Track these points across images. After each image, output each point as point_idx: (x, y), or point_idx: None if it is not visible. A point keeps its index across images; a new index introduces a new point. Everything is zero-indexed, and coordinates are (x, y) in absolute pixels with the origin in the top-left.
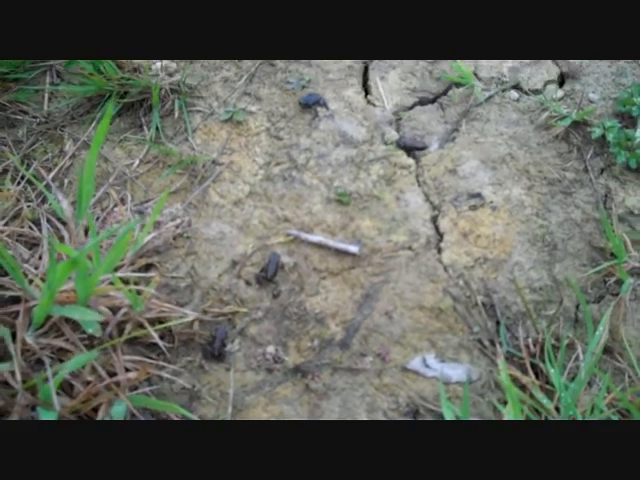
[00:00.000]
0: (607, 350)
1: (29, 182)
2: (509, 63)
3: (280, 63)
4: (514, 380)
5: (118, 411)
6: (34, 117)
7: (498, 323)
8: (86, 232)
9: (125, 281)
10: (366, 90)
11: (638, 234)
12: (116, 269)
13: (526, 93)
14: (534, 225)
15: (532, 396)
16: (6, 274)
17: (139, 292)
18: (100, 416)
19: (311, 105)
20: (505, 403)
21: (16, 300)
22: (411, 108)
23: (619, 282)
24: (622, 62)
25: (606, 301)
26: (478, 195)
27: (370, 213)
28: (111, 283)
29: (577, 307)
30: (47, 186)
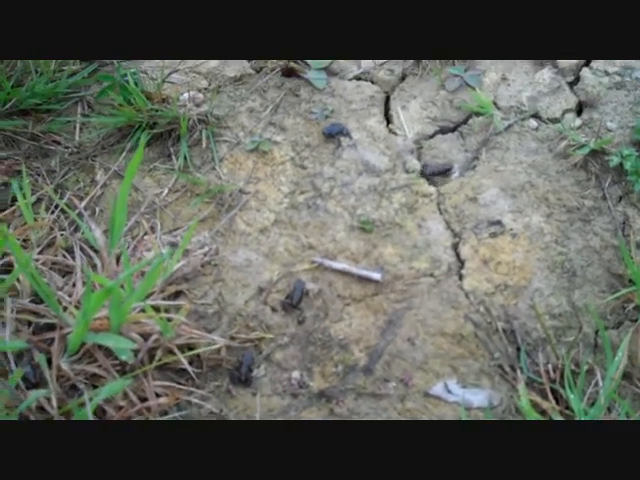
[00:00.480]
0: (626, 376)
1: (62, 211)
2: (528, 92)
3: (304, 93)
4: (534, 405)
5: None
6: (66, 147)
7: (519, 349)
8: (118, 260)
9: (156, 308)
10: (388, 119)
11: None
12: (147, 297)
13: (545, 122)
14: (553, 252)
15: None
16: (41, 301)
17: (169, 319)
18: None
19: (334, 135)
20: None
21: (51, 327)
22: (432, 137)
23: (638, 308)
24: (639, 91)
25: (625, 327)
26: (498, 222)
27: (392, 240)
28: (142, 310)
29: (596, 333)
30: (79, 215)
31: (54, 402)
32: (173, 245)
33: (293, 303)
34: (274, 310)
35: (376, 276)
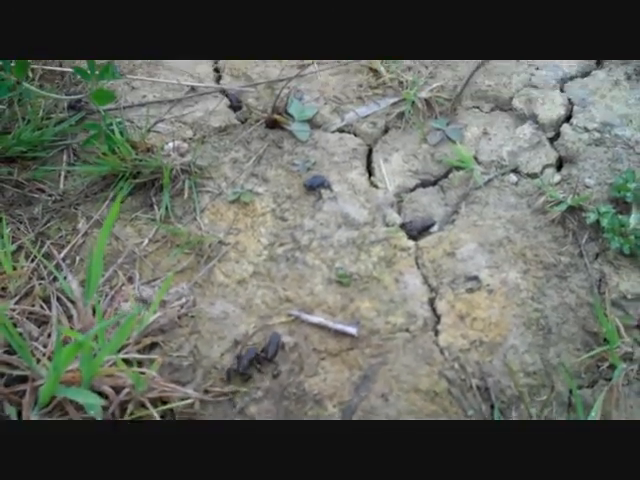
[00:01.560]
0: None
1: (43, 258)
2: (508, 147)
3: (287, 145)
4: None
5: None
6: (50, 195)
7: (492, 407)
8: (94, 311)
9: (129, 361)
10: (370, 172)
11: (631, 319)
12: (121, 349)
13: (524, 177)
14: (529, 309)
15: None
16: (15, 352)
17: (142, 372)
18: None
19: (315, 187)
20: None
21: (23, 379)
22: (413, 190)
23: (612, 367)
24: (618, 148)
25: (599, 386)
26: (475, 278)
27: (370, 294)
28: (115, 363)
29: (570, 392)
30: (58, 265)
31: None
32: (147, 300)
33: (268, 357)
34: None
35: (352, 331)
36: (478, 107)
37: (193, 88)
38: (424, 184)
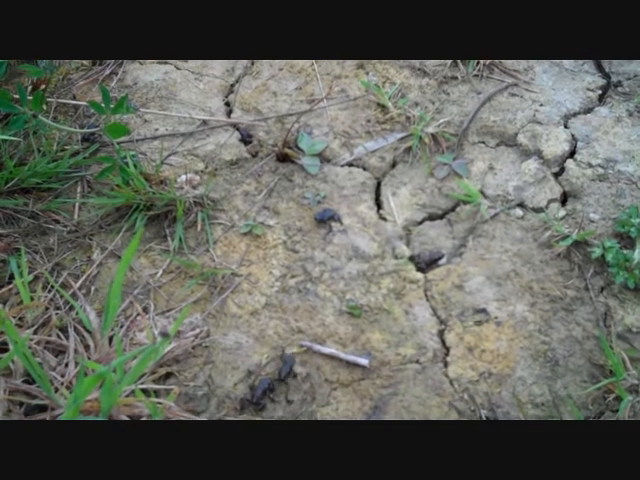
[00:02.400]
0: None
1: (59, 289)
2: (514, 182)
3: (298, 179)
4: None
5: None
6: (65, 226)
7: None
8: (110, 341)
9: (145, 391)
10: (378, 205)
11: (636, 352)
12: (138, 379)
13: (530, 211)
14: (537, 341)
15: None
16: (34, 382)
17: (159, 402)
18: None
19: (326, 220)
20: None
21: (43, 408)
22: (421, 223)
23: (618, 399)
24: (622, 184)
25: (606, 417)
26: (483, 310)
27: (380, 326)
28: (133, 393)
29: None
30: (74, 295)
31: None
32: (163, 331)
33: (281, 377)
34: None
35: (363, 362)
36: (484, 142)
37: (205, 122)
38: (432, 217)
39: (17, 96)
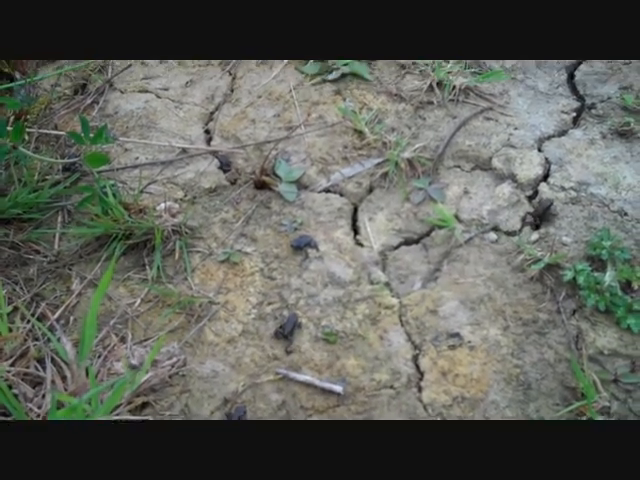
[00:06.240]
0: None
1: (38, 319)
2: (488, 205)
3: (275, 206)
4: None
5: None
6: (45, 256)
7: None
8: (87, 371)
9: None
10: (355, 230)
11: (608, 374)
12: (113, 409)
13: (504, 234)
14: (509, 365)
15: None
16: (10, 414)
17: None
18: None
19: (302, 247)
20: None
21: None
22: (396, 248)
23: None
24: (594, 206)
25: None
26: (457, 335)
27: (355, 352)
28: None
29: None
30: (52, 326)
31: None
32: (139, 361)
33: (285, 333)
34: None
35: (338, 389)
36: (459, 166)
37: (184, 150)
38: (408, 242)
39: None
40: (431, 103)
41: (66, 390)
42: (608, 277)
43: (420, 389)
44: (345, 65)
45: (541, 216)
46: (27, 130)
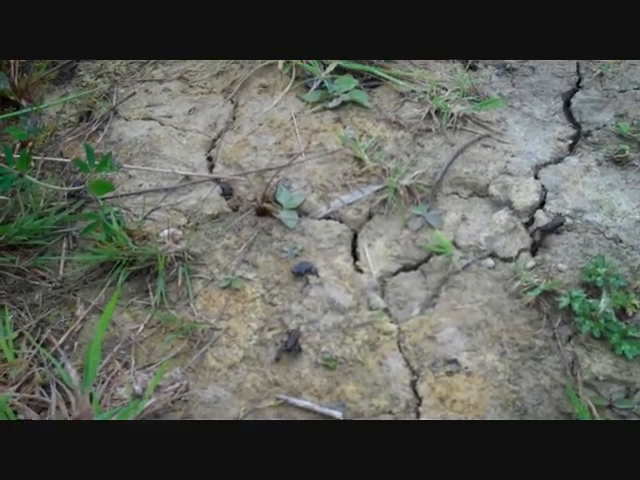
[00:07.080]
0: None
1: (43, 345)
2: (486, 232)
3: (276, 232)
4: None
5: None
6: (50, 282)
7: None
8: (92, 397)
9: None
10: (355, 256)
11: (603, 400)
12: None
13: (501, 261)
14: (506, 390)
15: None
16: None
17: None
18: None
19: (303, 273)
20: None
21: None
22: (395, 274)
23: None
24: (589, 233)
25: None
26: (454, 361)
27: (354, 378)
28: None
29: None
30: (57, 352)
31: None
32: (142, 387)
33: (288, 348)
34: None
35: (337, 414)
36: (457, 193)
37: (187, 177)
38: (406, 268)
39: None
40: (429, 131)
41: (70, 416)
42: (603, 304)
43: (418, 414)
44: (345, 93)
45: (551, 232)
46: (33, 157)
